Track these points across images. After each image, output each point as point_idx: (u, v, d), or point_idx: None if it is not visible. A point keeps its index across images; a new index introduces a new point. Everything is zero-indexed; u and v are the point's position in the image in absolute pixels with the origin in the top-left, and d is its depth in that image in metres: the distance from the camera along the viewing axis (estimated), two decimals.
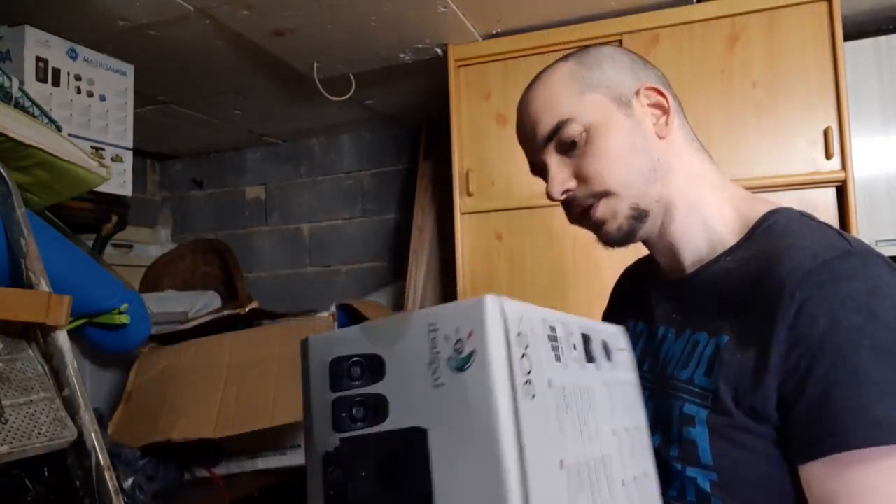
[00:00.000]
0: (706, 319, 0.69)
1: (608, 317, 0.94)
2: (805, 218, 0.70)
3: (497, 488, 0.44)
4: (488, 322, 0.47)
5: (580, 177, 0.74)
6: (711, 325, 0.68)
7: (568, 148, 0.74)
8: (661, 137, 0.74)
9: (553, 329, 0.54)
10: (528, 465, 0.45)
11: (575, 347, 0.58)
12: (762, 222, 0.70)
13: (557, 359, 0.54)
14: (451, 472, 0.46)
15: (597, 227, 0.75)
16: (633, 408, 0.67)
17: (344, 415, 0.52)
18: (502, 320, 0.47)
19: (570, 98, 0.74)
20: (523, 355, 0.48)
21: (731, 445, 0.62)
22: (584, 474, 0.52)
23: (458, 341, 0.47)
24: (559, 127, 0.74)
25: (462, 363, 0.47)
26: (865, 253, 0.62)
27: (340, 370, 0.53)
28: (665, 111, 0.75)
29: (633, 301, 0.86)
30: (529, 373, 0.48)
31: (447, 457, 0.47)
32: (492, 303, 0.47)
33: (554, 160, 0.75)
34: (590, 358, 0.60)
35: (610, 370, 0.64)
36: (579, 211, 0.75)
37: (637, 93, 0.74)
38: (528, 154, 0.82)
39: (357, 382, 0.52)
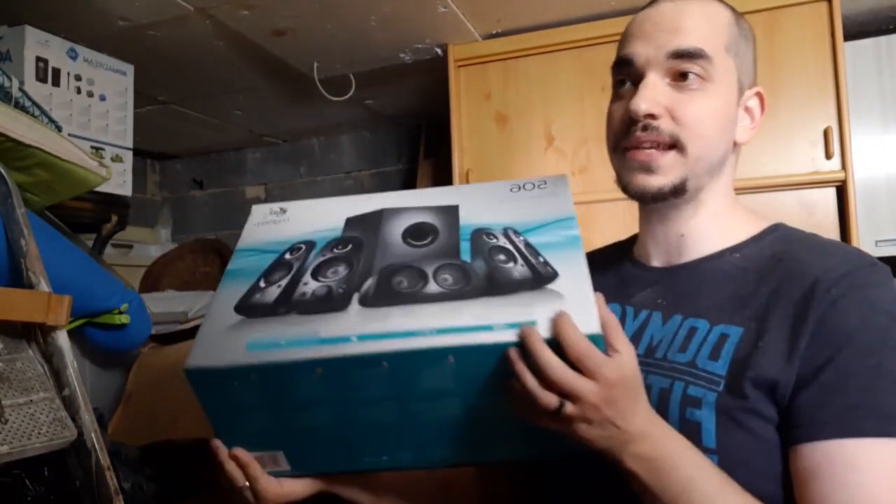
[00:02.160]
0: (706, 307, 0.70)
1: None
2: (814, 233, 0.74)
3: None
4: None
5: (674, 113, 0.69)
6: (714, 314, 0.69)
7: (680, 78, 0.69)
8: (735, 143, 0.74)
9: None
10: None
11: None
12: (771, 230, 0.74)
13: None
14: None
15: (644, 169, 0.71)
16: None
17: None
18: None
19: (720, 43, 0.70)
20: None
21: (737, 428, 0.63)
22: None
23: None
24: (696, 55, 0.68)
25: None
26: (883, 266, 0.67)
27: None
28: (753, 122, 0.75)
29: (596, 286, 0.85)
30: None
31: None
32: None
33: (657, 78, 0.70)
34: None
35: None
36: (646, 141, 0.70)
37: (749, 89, 0.74)
38: (628, 46, 0.73)
39: None
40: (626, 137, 0.71)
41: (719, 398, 0.64)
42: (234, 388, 0.63)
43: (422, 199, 0.78)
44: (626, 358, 0.56)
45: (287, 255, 0.73)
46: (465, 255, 0.69)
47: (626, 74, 0.73)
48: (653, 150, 0.70)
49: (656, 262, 0.78)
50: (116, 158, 1.65)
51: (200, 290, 2.23)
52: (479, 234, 0.72)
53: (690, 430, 0.64)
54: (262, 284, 0.70)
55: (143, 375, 1.47)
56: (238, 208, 2.88)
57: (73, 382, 0.91)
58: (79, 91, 1.56)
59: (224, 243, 2.54)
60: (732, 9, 0.75)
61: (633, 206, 0.80)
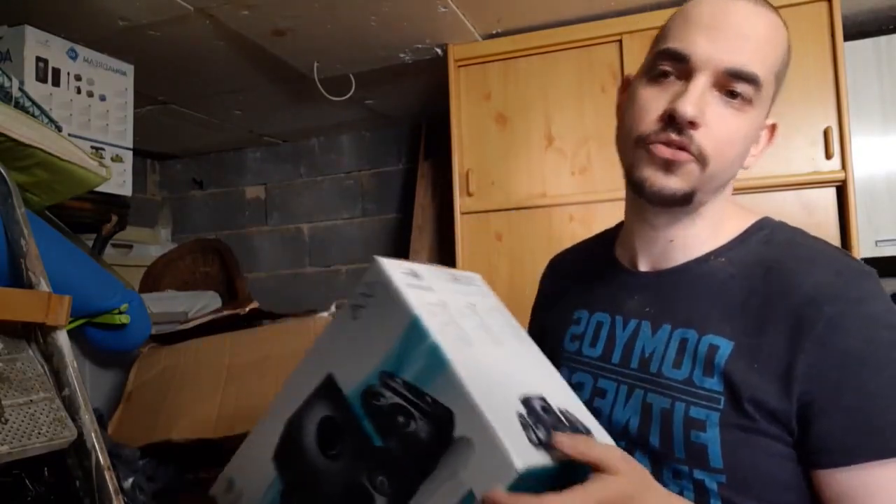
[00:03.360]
0: (691, 315, 0.69)
1: (541, 307, 0.91)
2: (798, 230, 0.72)
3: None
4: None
5: (710, 127, 0.66)
6: (702, 322, 0.68)
7: (727, 94, 0.66)
8: (743, 166, 0.72)
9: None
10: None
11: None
12: (756, 229, 0.72)
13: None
14: None
15: (666, 167, 0.67)
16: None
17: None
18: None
19: (771, 70, 0.67)
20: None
21: (742, 446, 0.63)
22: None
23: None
24: (752, 80, 0.66)
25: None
26: (873, 273, 0.65)
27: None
28: (759, 150, 0.73)
29: (578, 291, 0.83)
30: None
31: None
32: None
33: (707, 84, 0.66)
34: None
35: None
36: (675, 142, 0.66)
37: (768, 118, 0.72)
38: (688, 41, 0.67)
39: None
40: (656, 132, 0.67)
41: (722, 418, 0.63)
42: None
43: (304, 388, 0.68)
44: (611, 473, 0.52)
45: None
46: (376, 440, 0.62)
47: (675, 68, 0.68)
48: (679, 151, 0.67)
49: (643, 266, 0.76)
50: (116, 158, 1.65)
51: (200, 290, 2.23)
52: (367, 398, 0.63)
53: (697, 453, 0.64)
54: None
55: (143, 375, 1.47)
56: (238, 208, 2.88)
57: (73, 382, 0.91)
58: (79, 91, 1.56)
59: (224, 243, 2.54)
60: (787, 29, 0.71)
61: None
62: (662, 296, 0.73)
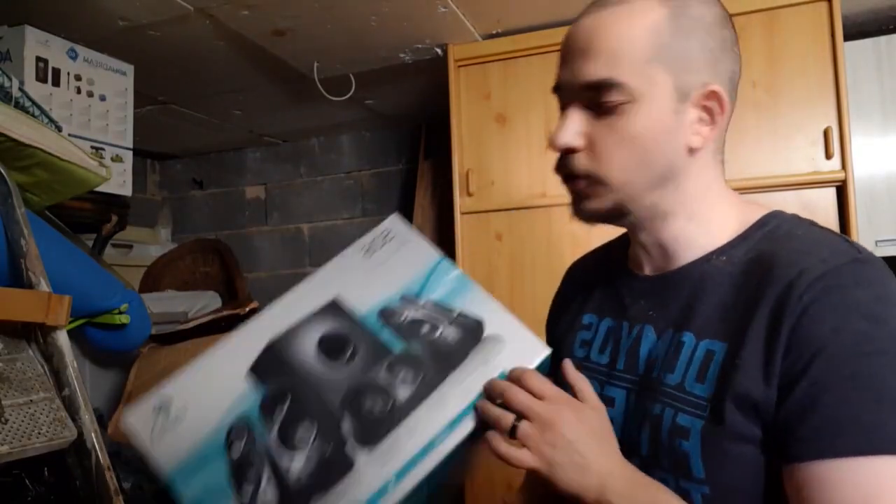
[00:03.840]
0: (691, 318, 0.67)
1: (557, 311, 0.90)
2: (805, 222, 0.68)
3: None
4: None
5: (591, 145, 0.67)
6: (699, 325, 0.66)
7: (596, 107, 0.66)
8: (690, 150, 0.68)
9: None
10: None
11: None
12: (760, 225, 0.69)
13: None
14: None
15: (576, 196, 0.70)
16: None
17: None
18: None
19: (636, 60, 0.64)
20: None
21: (724, 457, 0.61)
22: None
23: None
24: (603, 86, 0.65)
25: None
26: (874, 260, 0.61)
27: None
28: (712, 123, 0.68)
29: (590, 296, 0.82)
30: None
31: None
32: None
33: (575, 109, 0.68)
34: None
35: None
36: (567, 172, 0.70)
37: (699, 90, 0.66)
38: (557, 70, 0.70)
39: None
40: (557, 167, 0.71)
41: (704, 427, 0.62)
42: None
43: (296, 309, 0.73)
44: (586, 398, 0.65)
45: (234, 451, 0.66)
46: (396, 345, 0.70)
47: (560, 101, 0.71)
48: (575, 180, 0.69)
49: (647, 269, 0.75)
50: (116, 158, 1.65)
51: (200, 290, 2.24)
52: (386, 316, 0.72)
53: (680, 461, 0.63)
54: (247, 493, 0.64)
55: (143, 375, 1.47)
56: (238, 208, 2.88)
57: (73, 382, 0.91)
58: (79, 91, 1.56)
59: (224, 243, 2.54)
60: (667, 3, 0.66)
61: None
62: (664, 299, 0.71)
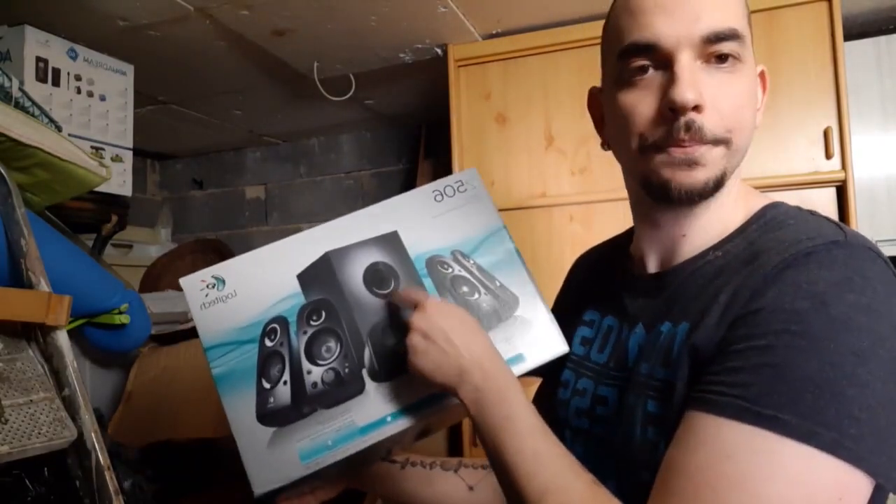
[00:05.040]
0: (673, 309, 0.66)
1: (562, 303, 0.89)
2: (804, 212, 0.65)
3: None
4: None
5: (716, 103, 0.61)
6: (676, 314, 0.65)
7: (716, 61, 0.61)
8: (756, 124, 0.66)
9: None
10: None
11: None
12: (758, 217, 0.67)
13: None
14: None
15: (689, 164, 0.62)
16: None
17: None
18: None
19: (744, 15, 0.62)
20: None
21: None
22: None
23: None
24: (732, 35, 0.60)
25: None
26: (856, 245, 0.57)
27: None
28: (761, 104, 0.67)
29: (593, 292, 0.81)
30: None
31: None
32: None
33: (691, 63, 0.61)
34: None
35: None
36: (687, 142, 0.61)
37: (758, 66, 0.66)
38: (648, 27, 0.62)
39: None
40: (663, 137, 0.62)
41: (666, 410, 0.60)
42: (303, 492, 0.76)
43: (357, 229, 0.76)
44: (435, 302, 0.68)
45: (268, 343, 0.72)
46: (433, 293, 0.73)
47: (651, 59, 0.62)
48: (696, 146, 0.61)
49: (651, 267, 0.73)
50: (116, 158, 1.65)
51: None
52: (434, 264, 0.75)
53: (648, 450, 0.61)
54: (266, 385, 0.70)
55: (143, 375, 1.47)
56: (238, 208, 2.88)
57: (73, 382, 0.91)
58: (79, 91, 1.56)
59: (224, 243, 2.54)
60: None
61: None
62: (660, 297, 0.70)
